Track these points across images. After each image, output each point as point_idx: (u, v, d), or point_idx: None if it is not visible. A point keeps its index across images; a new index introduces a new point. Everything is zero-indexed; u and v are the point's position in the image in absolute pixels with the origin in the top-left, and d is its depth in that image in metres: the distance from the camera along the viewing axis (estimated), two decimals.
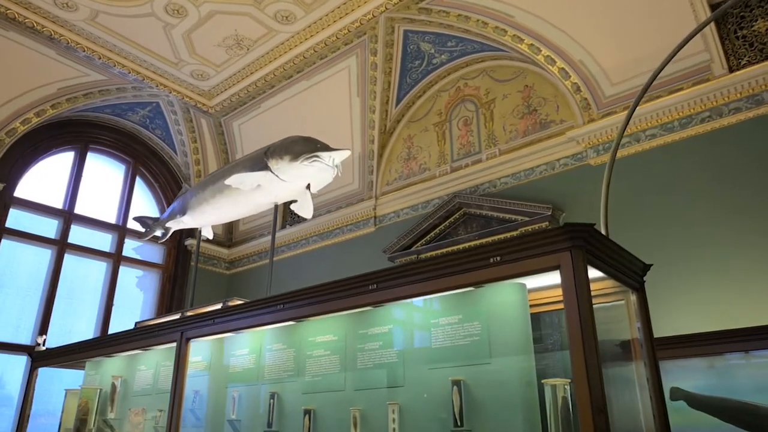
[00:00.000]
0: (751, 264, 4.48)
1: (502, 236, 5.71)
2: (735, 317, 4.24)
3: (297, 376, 2.86)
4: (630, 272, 2.10)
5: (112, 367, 4.36)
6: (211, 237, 4.27)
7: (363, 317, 2.64)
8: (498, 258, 1.90)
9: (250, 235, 9.30)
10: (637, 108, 5.42)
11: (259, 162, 3.41)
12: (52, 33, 6.56)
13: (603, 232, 2.20)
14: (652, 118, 5.33)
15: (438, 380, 2.26)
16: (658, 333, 4.34)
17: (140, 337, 3.55)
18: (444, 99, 7.46)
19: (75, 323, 7.72)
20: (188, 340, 3.18)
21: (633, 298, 2.14)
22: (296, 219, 8.64)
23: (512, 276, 1.89)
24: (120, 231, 8.48)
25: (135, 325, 3.78)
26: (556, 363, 2.42)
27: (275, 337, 3.07)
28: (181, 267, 8.94)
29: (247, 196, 3.56)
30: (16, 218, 7.52)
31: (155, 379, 3.91)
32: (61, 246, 7.84)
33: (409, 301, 2.44)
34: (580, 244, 1.73)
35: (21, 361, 7.02)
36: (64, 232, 7.92)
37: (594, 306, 2.17)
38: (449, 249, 6.22)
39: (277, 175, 3.31)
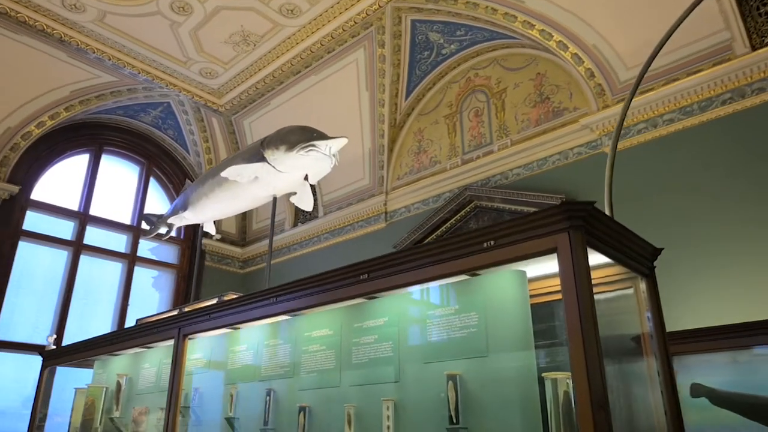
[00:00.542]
0: None
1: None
2: (764, 307, 4.02)
3: (293, 372, 2.77)
4: (638, 257, 1.95)
5: (118, 365, 4.33)
6: (213, 233, 4.21)
7: (358, 310, 2.53)
8: (491, 242, 1.77)
9: (263, 234, 9.27)
10: (654, 91, 5.23)
11: (255, 153, 3.32)
12: (62, 35, 6.59)
13: (608, 212, 2.05)
14: (669, 102, 5.11)
15: (434, 375, 2.13)
16: (676, 325, 4.15)
17: (140, 334, 3.49)
18: (454, 90, 7.31)
19: (91, 324, 7.76)
20: (185, 336, 3.11)
21: (642, 285, 1.98)
22: (308, 217, 8.58)
23: (507, 261, 1.76)
24: (134, 232, 8.51)
25: (136, 322, 3.72)
26: (563, 357, 2.28)
27: (272, 333, 2.98)
28: (196, 267, 8.92)
29: (245, 189, 3.48)
30: (33, 221, 7.60)
31: (158, 377, 3.86)
32: (77, 247, 7.90)
33: (404, 292, 2.33)
34: (578, 225, 1.59)
35: (39, 362, 7.07)
36: (80, 233, 7.98)
37: (599, 294, 2.03)
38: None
39: (273, 166, 3.21)
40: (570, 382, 1.85)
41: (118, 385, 4.06)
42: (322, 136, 3.15)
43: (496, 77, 6.86)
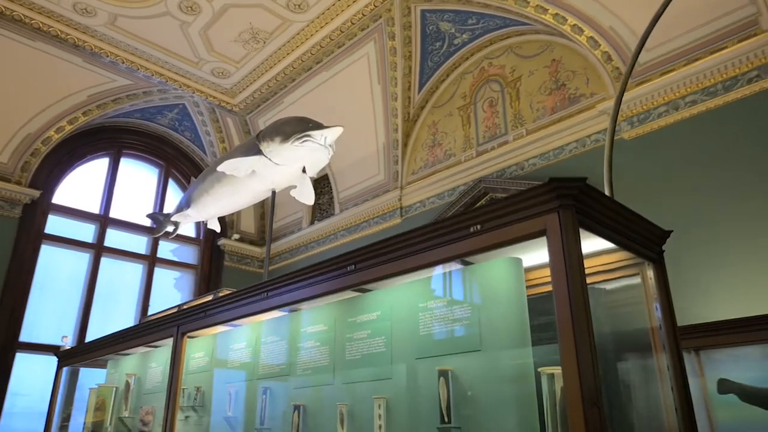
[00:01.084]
0: None
1: None
2: None
3: (289, 369, 2.68)
4: (644, 240, 1.79)
5: (128, 365, 4.32)
6: (218, 230, 4.15)
7: (352, 304, 2.42)
8: (478, 226, 1.64)
9: (281, 233, 9.25)
10: (675, 72, 4.98)
11: (252, 147, 3.24)
12: (76, 40, 6.66)
13: (607, 192, 1.89)
14: (691, 83, 4.85)
15: (427, 371, 2.01)
16: (700, 317, 3.92)
17: (141, 333, 3.46)
18: (468, 81, 7.14)
19: (113, 325, 7.82)
20: (184, 335, 3.06)
21: (650, 272, 1.82)
22: (324, 214, 8.52)
23: (495, 246, 1.62)
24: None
25: (140, 321, 3.68)
26: None
27: (270, 330, 2.89)
28: (215, 267, 8.97)
29: (244, 184, 3.40)
30: (54, 224, 7.72)
31: (164, 376, 3.82)
32: (98, 250, 8.00)
33: (394, 283, 2.21)
34: (569, 203, 1.45)
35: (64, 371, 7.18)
36: (101, 236, 8.08)
37: (604, 283, 1.88)
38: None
39: (270, 159, 3.13)
40: None
41: (127, 384, 4.04)
42: (318, 126, 3.05)
43: (511, 66, 6.67)
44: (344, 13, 6.40)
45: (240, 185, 3.43)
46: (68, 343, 5.08)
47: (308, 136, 3.00)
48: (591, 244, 1.82)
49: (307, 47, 6.98)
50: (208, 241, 9.14)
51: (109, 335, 3.82)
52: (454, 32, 6.78)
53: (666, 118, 5.00)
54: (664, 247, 1.90)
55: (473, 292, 1.94)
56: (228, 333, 3.10)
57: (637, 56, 2.41)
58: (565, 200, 1.44)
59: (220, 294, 2.84)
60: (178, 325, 3.08)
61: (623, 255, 1.86)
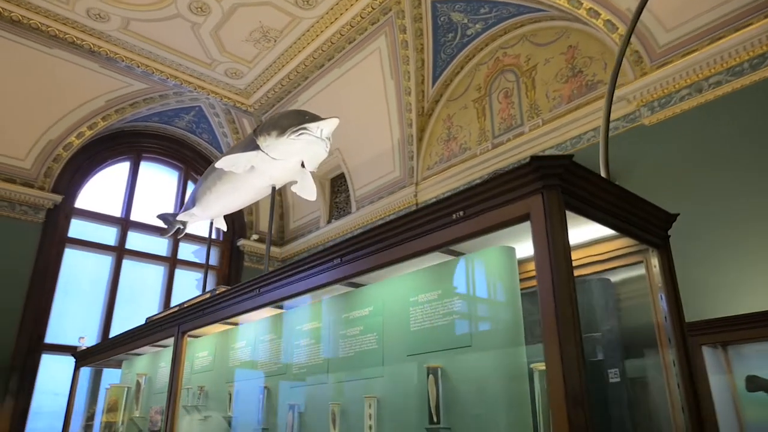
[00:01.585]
0: None
1: None
2: None
3: (286, 368, 2.60)
4: (645, 224, 1.65)
5: (140, 365, 4.33)
6: (225, 229, 4.11)
7: (345, 300, 2.33)
8: (461, 213, 1.53)
9: (300, 233, 9.23)
10: (697, 52, 4.73)
11: (251, 142, 3.18)
12: (92, 46, 6.74)
13: (603, 174, 1.74)
14: (715, 63, 4.61)
15: (419, 368, 1.90)
16: (726, 310, 3.71)
17: (146, 333, 3.43)
18: (483, 72, 6.97)
19: (135, 326, 7.94)
20: (184, 334, 3.01)
21: (654, 260, 1.67)
22: (341, 213, 8.46)
23: (477, 234, 1.50)
24: (173, 235, 8.64)
25: (146, 321, 3.68)
26: None
27: (267, 328, 2.82)
28: (235, 267, 9.01)
29: (244, 181, 3.35)
30: (77, 228, 7.86)
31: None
32: (120, 252, 8.12)
33: (386, 277, 2.11)
34: (554, 184, 1.32)
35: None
36: (122, 238, 8.19)
37: (604, 272, 1.75)
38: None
39: (267, 154, 3.06)
40: None
41: (138, 384, 4.05)
42: (314, 119, 2.96)
43: (526, 54, 6.48)
44: (353, 7, 6.32)
45: (240, 182, 3.38)
46: (85, 343, 5.13)
47: (304, 129, 2.92)
48: (589, 231, 1.69)
49: (318, 44, 6.92)
50: (227, 242, 9.19)
51: (116, 336, 3.81)
52: (466, 22, 6.62)
53: (689, 101, 4.76)
54: (670, 232, 1.75)
55: (464, 285, 1.82)
56: (230, 332, 3.05)
57: (636, 21, 2.25)
58: (550, 180, 1.32)
59: (217, 292, 2.78)
60: (178, 324, 3.04)
61: (626, 242, 1.72)
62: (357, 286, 2.26)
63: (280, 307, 2.57)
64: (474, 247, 1.82)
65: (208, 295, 2.85)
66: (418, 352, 1.93)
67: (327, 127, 2.92)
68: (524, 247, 1.85)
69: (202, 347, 3.28)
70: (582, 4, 5.46)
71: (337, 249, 1.94)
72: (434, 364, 1.81)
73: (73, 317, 7.49)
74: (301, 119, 2.97)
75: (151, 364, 4.08)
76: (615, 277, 1.82)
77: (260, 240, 9.24)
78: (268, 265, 3.13)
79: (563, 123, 5.74)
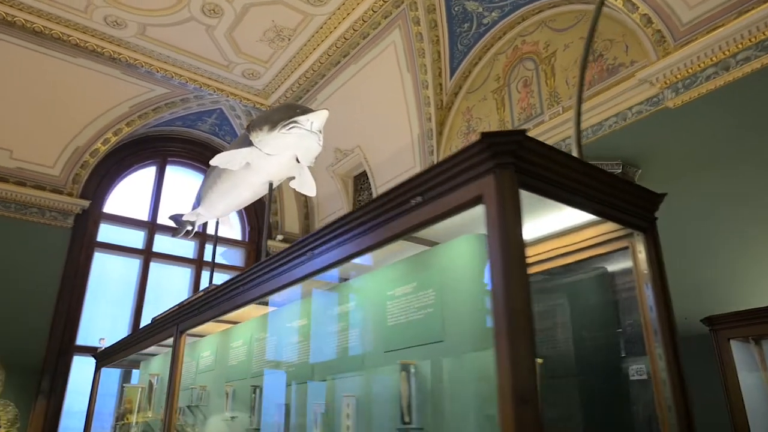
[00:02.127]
0: None
1: None
2: None
3: (277, 367, 2.54)
4: (625, 206, 1.50)
5: (154, 365, 4.37)
6: (232, 228, 4.10)
7: (331, 296, 2.25)
8: (419, 198, 1.42)
9: None
10: (723, 28, 4.44)
11: (245, 139, 3.14)
12: (112, 53, 6.88)
13: (575, 153, 1.60)
14: (742, 38, 4.32)
15: (394, 365, 1.80)
16: (761, 302, 3.45)
17: (150, 333, 3.44)
18: (502, 62, 6.78)
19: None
20: (182, 333, 3.00)
21: (640, 245, 1.52)
22: None
23: (434, 220, 1.39)
24: (201, 238, 8.77)
25: (152, 320, 3.69)
26: (549, 341, 1.86)
27: (261, 327, 2.78)
28: None
29: (242, 178, 3.32)
30: (105, 232, 8.06)
31: (183, 375, 3.81)
32: (147, 255, 8.28)
33: (368, 271, 2.02)
34: (507, 162, 1.20)
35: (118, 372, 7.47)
36: (149, 242, 8.35)
37: (587, 259, 1.62)
38: None
39: (260, 149, 3.01)
40: (539, 368, 1.46)
41: (150, 384, 4.07)
42: (305, 111, 2.90)
43: (545, 41, 6.26)
44: (365, 1, 6.24)
45: (238, 179, 3.35)
46: (105, 344, 5.25)
47: (295, 122, 2.86)
48: (570, 217, 1.56)
49: (331, 40, 6.87)
50: (252, 242, 9.26)
51: (125, 337, 3.84)
52: (481, 11, 6.45)
53: (715, 81, 4.48)
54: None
55: (435, 277, 1.72)
56: (230, 331, 3.02)
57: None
58: (503, 158, 1.20)
59: (209, 290, 2.75)
60: (177, 323, 3.03)
61: (610, 227, 1.58)
62: (341, 281, 2.18)
63: (265, 304, 2.51)
64: (450, 235, 1.71)
65: (202, 294, 2.82)
66: (395, 348, 1.84)
67: (317, 119, 2.85)
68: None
69: (207, 346, 3.27)
70: None
71: (307, 243, 1.86)
72: (407, 360, 1.71)
73: (103, 319, 7.68)
74: (291, 113, 2.91)
75: (164, 364, 4.10)
76: (597, 263, 1.68)
77: (285, 240, 9.28)
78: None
79: (584, 109, 5.51)
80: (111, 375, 6.43)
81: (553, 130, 5.79)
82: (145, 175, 8.80)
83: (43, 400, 6.61)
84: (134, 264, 8.22)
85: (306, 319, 2.34)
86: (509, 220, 1.17)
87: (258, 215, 9.44)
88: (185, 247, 8.71)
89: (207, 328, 3.14)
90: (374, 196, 8.14)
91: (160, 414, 3.82)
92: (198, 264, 8.64)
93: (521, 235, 1.17)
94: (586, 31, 5.79)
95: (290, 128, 2.86)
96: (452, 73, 7.11)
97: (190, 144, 9.13)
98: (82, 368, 7.19)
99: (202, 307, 2.76)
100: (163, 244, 8.49)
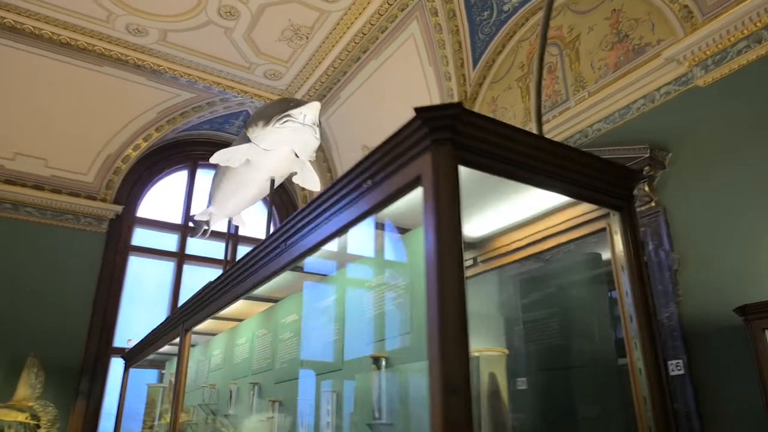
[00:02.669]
0: None
1: None
2: None
3: (272, 363, 2.51)
4: (599, 185, 1.37)
5: (174, 364, 4.43)
6: (244, 227, 4.11)
7: (317, 289, 2.19)
8: (369, 182, 1.34)
9: None
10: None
11: (244, 135, 3.13)
12: (136, 60, 7.06)
13: (534, 128, 1.47)
14: None
15: (367, 360, 1.73)
16: None
17: (162, 333, 3.48)
18: (525, 49, 6.57)
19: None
20: (187, 331, 3.01)
21: (616, 225, 1.39)
22: None
23: (381, 205, 1.31)
24: (232, 239, 8.90)
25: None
26: (534, 332, 1.73)
27: (260, 324, 2.75)
28: None
29: (246, 175, 3.32)
30: (139, 236, 8.29)
31: (197, 374, 3.85)
32: (180, 258, 8.46)
33: (350, 262, 1.95)
34: (444, 138, 1.11)
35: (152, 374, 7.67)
36: (182, 244, 8.54)
37: (567, 243, 1.50)
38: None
39: (257, 145, 2.99)
40: (503, 359, 1.36)
41: (170, 383, 4.13)
42: (298, 104, 2.85)
43: (568, 25, 6.02)
44: None
45: (242, 176, 3.35)
46: (132, 345, 5.38)
47: (288, 116, 2.83)
48: (540, 200, 1.45)
49: (350, 36, 6.83)
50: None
51: (143, 338, 3.91)
52: None
53: (747, 55, 4.19)
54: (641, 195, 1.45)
55: (405, 266, 1.63)
56: (234, 330, 3.00)
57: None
58: (440, 134, 1.11)
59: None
60: (182, 321, 3.04)
61: (585, 208, 1.45)
62: (325, 275, 2.12)
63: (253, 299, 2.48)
64: (416, 222, 1.62)
65: (201, 291, 2.82)
66: (372, 341, 1.76)
67: (309, 111, 2.80)
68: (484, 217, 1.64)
69: (216, 345, 3.27)
70: None
71: (282, 233, 1.81)
72: (378, 354, 1.63)
73: (139, 321, 7.88)
74: (285, 107, 2.88)
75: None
76: (571, 248, 1.55)
77: None
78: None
79: (611, 92, 5.26)
80: (145, 376, 6.62)
81: (579, 116, 5.55)
82: (177, 179, 9.00)
83: (82, 401, 6.85)
84: (168, 266, 8.41)
85: (300, 314, 2.29)
86: (445, 199, 1.07)
87: (289, 213, 9.50)
88: (218, 249, 8.85)
89: (219, 325, 3.15)
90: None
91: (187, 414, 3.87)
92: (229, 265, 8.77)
93: (459, 215, 1.07)
94: (609, 10, 5.54)
95: (284, 122, 2.83)
96: (475, 64, 6.94)
97: (219, 147, 9.07)
98: (119, 370, 7.40)
99: (202, 304, 2.75)
100: (196, 246, 8.66)
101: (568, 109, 5.74)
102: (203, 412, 3.29)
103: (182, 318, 3.06)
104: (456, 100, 7.03)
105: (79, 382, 6.92)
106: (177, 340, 3.49)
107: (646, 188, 4.61)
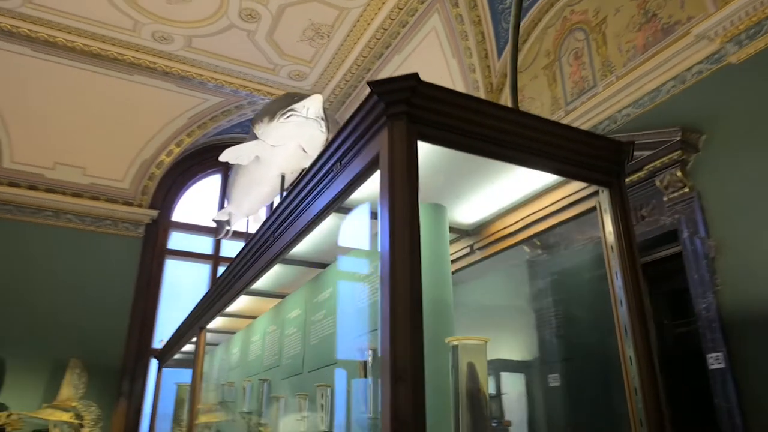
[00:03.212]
0: None
1: None
2: None
3: (280, 359, 2.49)
4: (583, 159, 1.28)
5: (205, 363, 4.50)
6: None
7: (318, 282, 2.16)
8: (339, 163, 1.30)
9: None
10: None
11: (253, 132, 3.14)
12: (164, 67, 7.23)
13: (510, 103, 1.38)
14: None
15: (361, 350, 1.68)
16: None
17: (182, 333, 3.53)
18: (551, 36, 6.38)
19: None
20: (201, 329, 3.04)
21: (605, 203, 1.30)
22: None
23: (351, 187, 1.26)
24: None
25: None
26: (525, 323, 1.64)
27: (270, 320, 2.74)
28: None
29: (257, 172, 3.33)
30: (175, 240, 8.50)
31: (219, 373, 3.89)
32: (216, 260, 8.63)
33: (343, 254, 1.91)
34: (400, 112, 1.05)
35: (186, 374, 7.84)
36: (217, 247, 8.70)
37: (557, 225, 1.42)
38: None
39: (264, 141, 2.99)
40: (484, 348, 1.29)
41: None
42: (301, 98, 2.84)
43: (594, 8, 5.81)
44: None
45: (253, 174, 3.36)
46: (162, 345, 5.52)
47: (292, 110, 2.81)
48: (527, 179, 1.37)
49: (371, 32, 6.80)
50: None
51: (169, 338, 3.98)
52: None
53: None
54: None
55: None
56: (249, 328, 3.01)
57: None
58: (396, 108, 1.05)
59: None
60: (197, 320, 3.07)
61: (575, 186, 1.37)
62: (322, 266, 2.09)
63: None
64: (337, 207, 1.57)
65: (211, 288, 2.84)
66: (364, 331, 1.72)
67: (312, 104, 2.78)
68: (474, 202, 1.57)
69: (234, 343, 3.29)
70: None
71: (269, 227, 1.79)
72: (371, 344, 1.59)
73: (176, 323, 8.07)
74: (289, 101, 2.86)
75: (208, 362, 4.21)
76: (562, 229, 1.46)
77: None
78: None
79: (640, 74, 5.03)
80: (179, 376, 6.75)
81: (607, 101, 5.34)
82: (210, 182, 9.19)
83: (124, 401, 7.07)
84: (204, 269, 8.59)
85: (303, 308, 2.26)
86: (400, 176, 1.01)
87: None
88: None
89: (234, 324, 3.16)
90: None
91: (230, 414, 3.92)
92: None
93: (416, 194, 1.01)
94: None
95: (288, 116, 2.82)
96: (500, 54, 6.80)
97: None
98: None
99: (212, 301, 2.77)
100: (231, 248, 8.80)
101: (596, 95, 5.53)
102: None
103: (197, 317, 3.09)
104: (482, 92, 6.89)
105: (120, 382, 7.15)
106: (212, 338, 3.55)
107: (679, 173, 4.38)
